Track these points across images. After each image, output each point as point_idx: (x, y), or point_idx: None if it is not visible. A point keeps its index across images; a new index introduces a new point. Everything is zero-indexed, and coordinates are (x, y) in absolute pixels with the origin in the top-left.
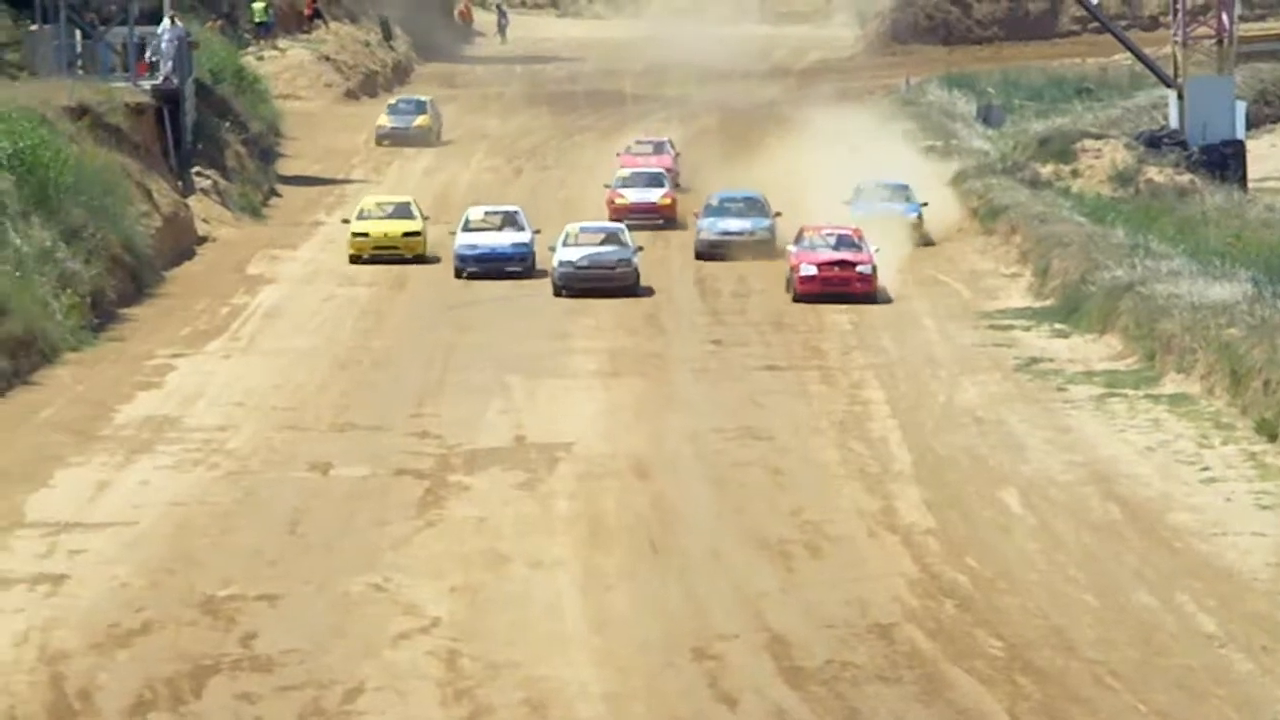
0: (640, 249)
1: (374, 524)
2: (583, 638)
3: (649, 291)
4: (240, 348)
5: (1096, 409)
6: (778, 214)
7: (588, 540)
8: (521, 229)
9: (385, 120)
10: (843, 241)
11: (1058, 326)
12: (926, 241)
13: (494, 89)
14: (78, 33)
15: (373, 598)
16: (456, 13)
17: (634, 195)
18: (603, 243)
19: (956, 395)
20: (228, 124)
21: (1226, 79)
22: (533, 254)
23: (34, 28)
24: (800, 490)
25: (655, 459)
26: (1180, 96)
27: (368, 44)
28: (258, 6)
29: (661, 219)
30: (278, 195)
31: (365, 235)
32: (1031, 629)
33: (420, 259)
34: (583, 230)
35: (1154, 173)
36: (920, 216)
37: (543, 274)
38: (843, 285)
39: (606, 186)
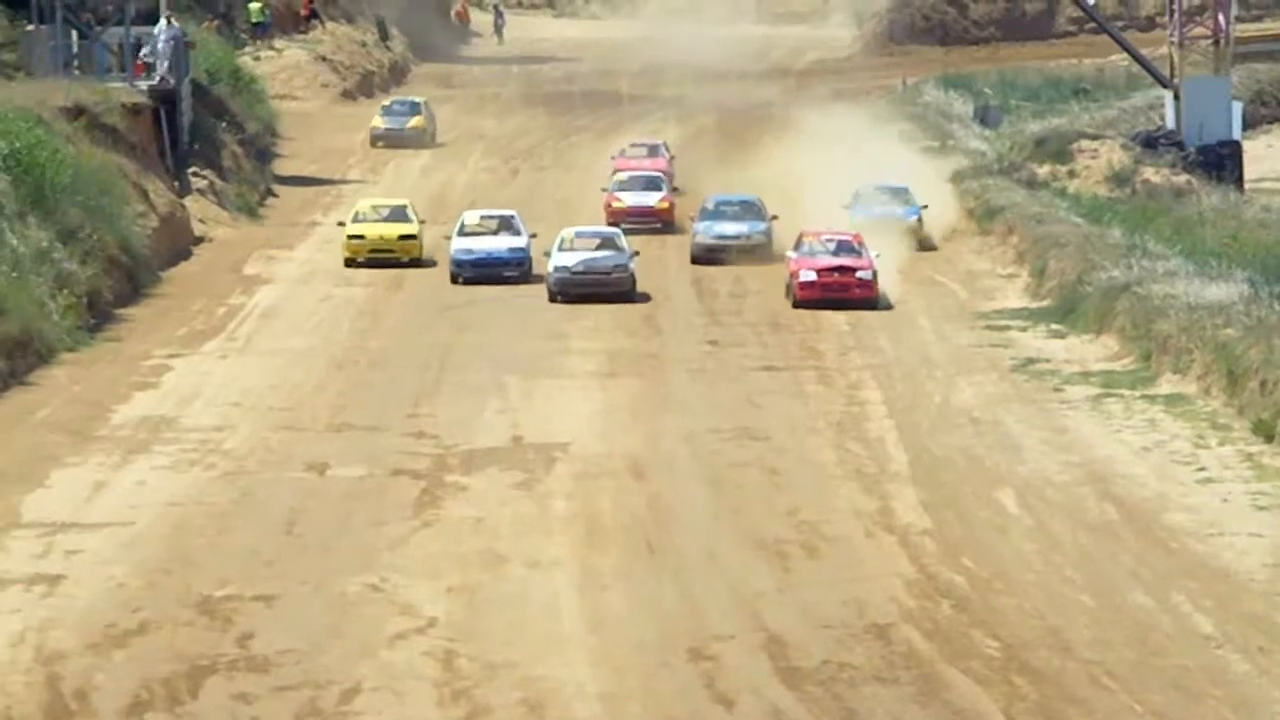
0: (636, 253)
1: (371, 524)
2: (579, 638)
3: (645, 297)
4: (237, 348)
5: (1093, 409)
6: (774, 217)
7: (584, 540)
8: (518, 233)
9: (379, 122)
10: (843, 247)
11: (1054, 327)
12: (927, 245)
13: (491, 89)
14: (74, 33)
15: (369, 598)
16: (453, 13)
17: (631, 199)
18: (598, 248)
19: (953, 396)
20: (224, 124)
21: (1223, 79)
22: (529, 259)
23: (30, 28)
24: (797, 490)
25: (652, 459)
26: (1177, 97)
27: (364, 44)
28: (254, 7)
29: (659, 223)
30: (274, 195)
31: (361, 238)
32: (1028, 629)
33: (416, 263)
34: (578, 235)
35: (1151, 173)
36: (920, 220)
37: (540, 279)
38: (843, 291)
39: (604, 190)
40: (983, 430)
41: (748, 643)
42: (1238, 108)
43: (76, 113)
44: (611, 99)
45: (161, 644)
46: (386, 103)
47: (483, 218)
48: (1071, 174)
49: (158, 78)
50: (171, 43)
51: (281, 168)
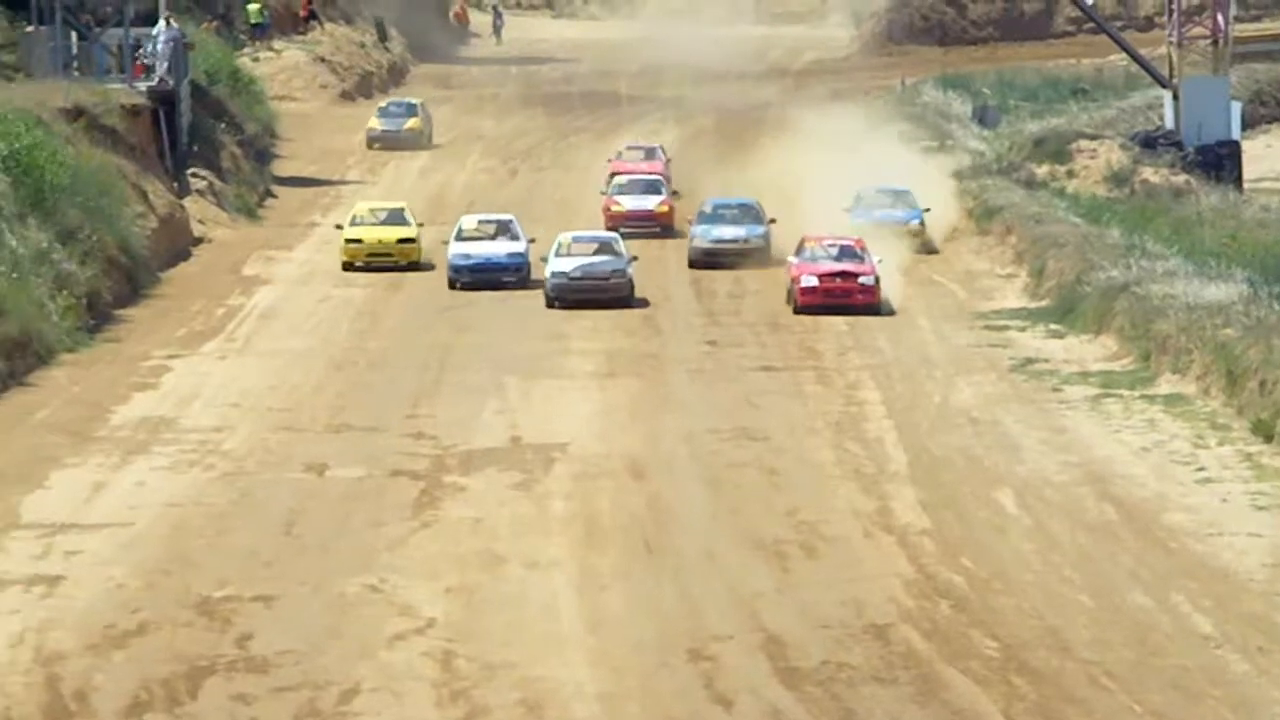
0: (635, 258)
1: (370, 525)
2: (578, 638)
3: (644, 303)
4: (236, 349)
5: (1092, 409)
6: (772, 220)
7: (583, 541)
8: (516, 238)
9: (376, 123)
10: (845, 252)
11: (1053, 327)
12: (929, 249)
13: (489, 90)
14: (73, 34)
15: (368, 599)
16: (452, 14)
17: (630, 203)
18: (596, 253)
19: (952, 396)
20: (223, 125)
21: (1222, 79)
22: (528, 264)
23: (30, 29)
24: (796, 491)
25: (651, 459)
26: (1175, 97)
27: (363, 45)
28: (253, 8)
29: (659, 227)
30: (273, 196)
31: (359, 242)
32: (1027, 629)
33: (414, 266)
34: (575, 240)
35: (1149, 173)
36: (922, 223)
37: (539, 284)
38: (845, 297)
39: (603, 194)
40: (981, 430)
41: (746, 643)
42: (1236, 108)
43: (76, 114)
44: (610, 100)
45: (161, 645)
46: (383, 104)
47: (481, 222)
48: (1070, 174)
49: (157, 79)
50: (170, 44)
51: (280, 169)
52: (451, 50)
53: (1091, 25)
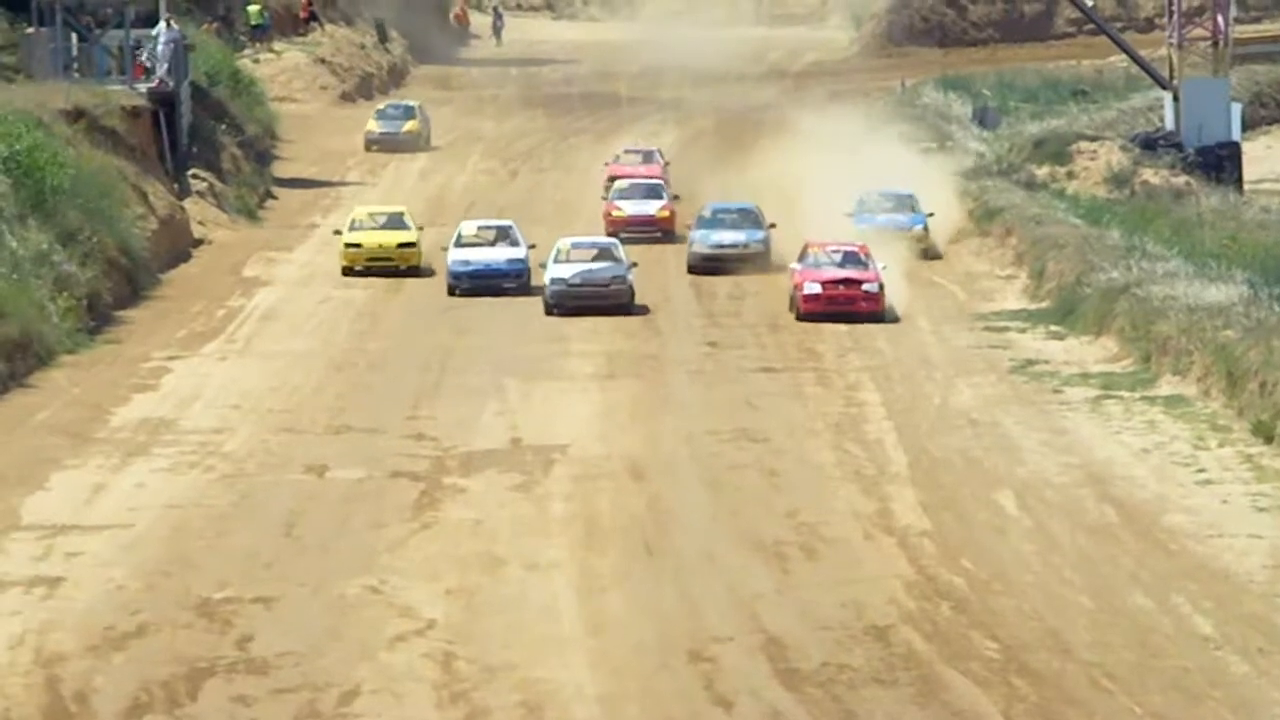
0: (634, 265)
1: (370, 526)
2: (578, 640)
3: (644, 309)
4: (236, 350)
5: (1092, 411)
6: (772, 225)
7: (583, 542)
8: (516, 244)
9: (374, 126)
10: (849, 259)
11: (1053, 328)
12: (933, 255)
13: (489, 91)
14: (73, 36)
15: (368, 600)
16: (452, 15)
17: (631, 208)
18: (595, 259)
19: (952, 397)
20: (223, 127)
21: (1222, 81)
22: (528, 270)
23: (30, 30)
24: (796, 492)
25: (651, 461)
26: (1176, 98)
27: (363, 47)
28: (253, 9)
29: (659, 232)
30: (273, 198)
31: (359, 246)
32: (1027, 631)
33: (414, 271)
34: (574, 246)
35: (1150, 174)
36: (926, 228)
37: (540, 290)
38: (848, 304)
39: (603, 199)
40: (982, 432)
41: (747, 644)
42: (1237, 109)
43: (76, 115)
44: (610, 101)
45: (161, 646)
46: (381, 107)
47: (480, 228)
48: (1070, 175)
49: (157, 80)
50: (171, 45)
51: (281, 170)
52: (452, 52)
53: (1091, 27)
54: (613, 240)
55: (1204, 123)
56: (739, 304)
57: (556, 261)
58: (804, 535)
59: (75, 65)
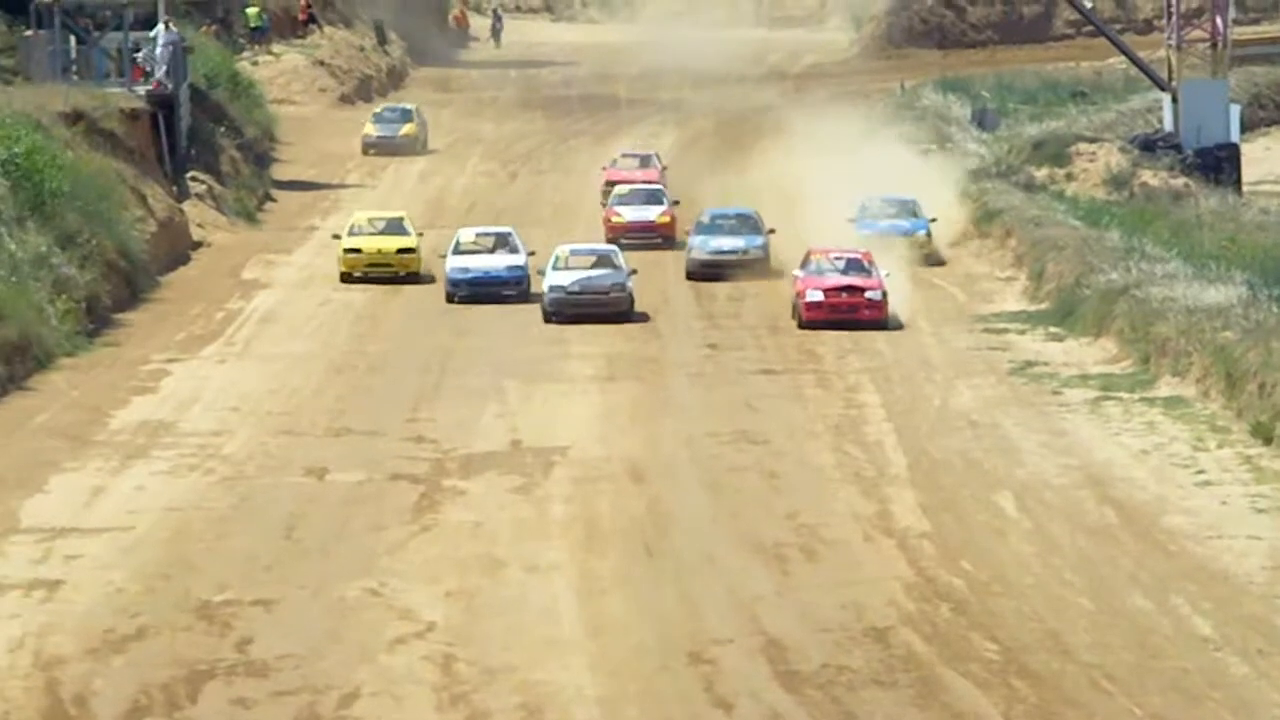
0: (634, 272)
1: (369, 529)
2: (578, 642)
3: (644, 317)
4: (235, 353)
5: (1091, 412)
6: (771, 231)
7: (583, 544)
8: (515, 251)
9: (371, 129)
10: (852, 265)
11: (1052, 330)
12: (936, 260)
13: (489, 93)
14: (72, 38)
15: (368, 603)
16: (451, 17)
17: (631, 214)
18: (594, 265)
19: (951, 399)
20: (222, 129)
21: (1221, 82)
22: (528, 277)
23: (29, 33)
24: (795, 494)
25: (651, 463)
26: (1175, 100)
27: (362, 49)
28: (252, 11)
29: (660, 238)
30: (272, 200)
31: (358, 252)
32: (1027, 632)
33: (414, 278)
34: (573, 253)
35: (1148, 176)
36: (929, 234)
37: (539, 297)
38: (851, 312)
39: (602, 205)
40: (981, 433)
41: (747, 646)
42: (1235, 110)
43: (75, 118)
44: (609, 103)
45: (160, 649)
46: (378, 110)
47: (479, 235)
48: (1069, 177)
49: (156, 83)
50: (169, 48)
51: (280, 172)
52: (451, 54)
53: (1090, 28)
54: (612, 247)
55: (1203, 124)
56: (738, 306)
57: (555, 268)
58: (804, 537)
59: (74, 68)
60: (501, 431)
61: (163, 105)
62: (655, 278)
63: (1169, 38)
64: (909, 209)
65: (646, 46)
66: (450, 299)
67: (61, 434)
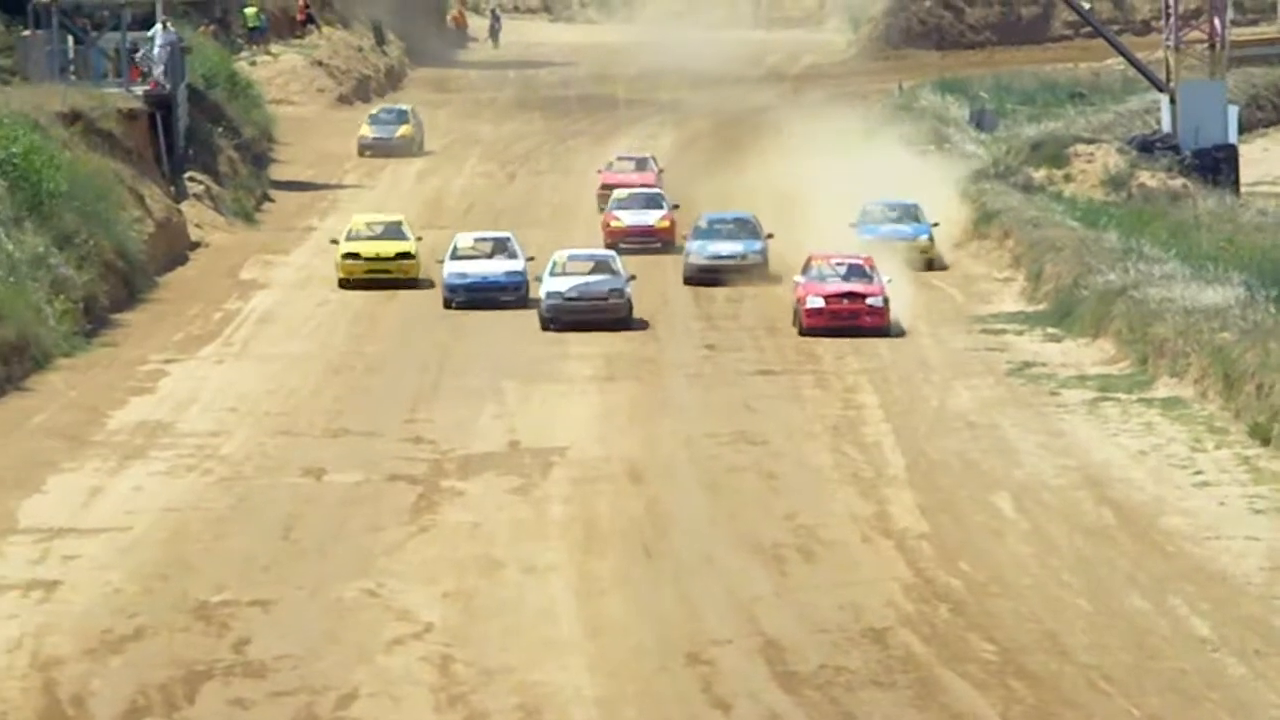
0: (633, 277)
1: (367, 529)
2: (576, 643)
3: (643, 324)
4: (233, 353)
5: (1089, 413)
6: (770, 235)
7: (581, 545)
8: (514, 256)
9: (367, 130)
10: (853, 272)
11: (1050, 331)
12: (938, 265)
13: (487, 94)
14: (70, 38)
15: (366, 603)
16: (449, 18)
17: (630, 218)
18: (592, 271)
19: (949, 400)
20: (220, 129)
21: (1219, 83)
22: (526, 282)
23: (26, 33)
24: (794, 495)
25: (649, 463)
26: (1173, 101)
27: (360, 49)
28: (250, 11)
29: (659, 242)
30: (270, 200)
31: (356, 256)
32: (1025, 633)
33: (413, 283)
34: (571, 258)
35: (1146, 177)
36: (931, 238)
37: (538, 303)
38: (852, 319)
39: (599, 209)
40: (979, 434)
41: (745, 647)
42: (1233, 111)
43: (73, 118)
44: (608, 103)
45: (158, 649)
46: (374, 111)
47: (477, 240)
48: (1067, 178)
49: (153, 83)
50: (168, 48)
51: (278, 173)
52: (449, 54)
53: (1088, 29)
54: (610, 253)
55: (1201, 125)
56: (737, 307)
57: (552, 274)
58: (802, 538)
59: (72, 68)
60: (500, 432)
61: (160, 105)
62: (654, 279)
63: (1167, 39)
64: (911, 213)
65: (645, 47)
66: (448, 305)
67: (59, 434)
